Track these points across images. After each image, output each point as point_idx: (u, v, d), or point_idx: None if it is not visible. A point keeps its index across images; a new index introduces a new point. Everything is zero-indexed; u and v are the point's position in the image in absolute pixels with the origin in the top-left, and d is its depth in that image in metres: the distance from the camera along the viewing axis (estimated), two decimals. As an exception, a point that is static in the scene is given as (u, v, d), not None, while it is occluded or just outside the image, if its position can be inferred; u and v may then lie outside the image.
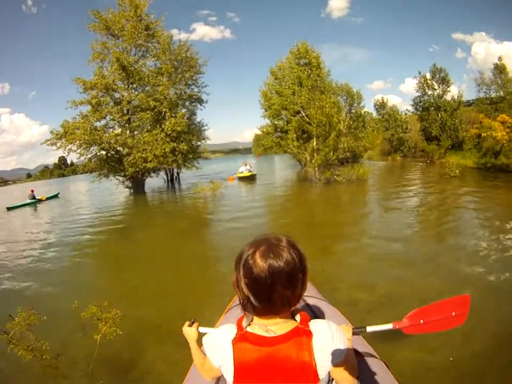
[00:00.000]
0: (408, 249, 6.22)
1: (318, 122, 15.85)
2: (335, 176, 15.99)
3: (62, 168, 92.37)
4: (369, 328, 1.56)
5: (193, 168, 23.24)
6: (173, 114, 19.30)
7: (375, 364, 1.65)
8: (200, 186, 15.45)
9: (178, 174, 25.84)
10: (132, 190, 20.64)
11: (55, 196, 24.06)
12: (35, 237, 10.68)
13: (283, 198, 14.07)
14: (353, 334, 1.45)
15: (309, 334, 1.07)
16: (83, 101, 18.93)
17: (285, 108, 18.52)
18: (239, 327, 1.13)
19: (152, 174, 22.24)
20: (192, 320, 1.49)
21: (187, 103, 22.37)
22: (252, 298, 1.05)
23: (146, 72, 19.87)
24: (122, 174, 19.69)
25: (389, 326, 1.60)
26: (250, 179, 21.09)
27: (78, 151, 18.71)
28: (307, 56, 19.74)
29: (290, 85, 18.88)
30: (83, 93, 19.02)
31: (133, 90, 19.87)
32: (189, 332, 1.45)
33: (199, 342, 1.33)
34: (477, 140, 22.11)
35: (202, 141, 24.23)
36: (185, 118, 20.70)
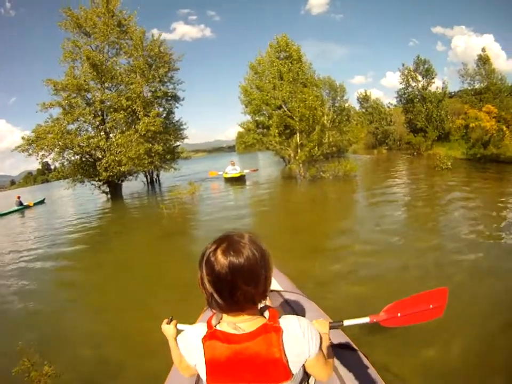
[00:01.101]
0: (402, 245, 5.88)
1: (301, 116, 14.73)
2: (321, 173, 14.89)
3: (46, 174, 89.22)
4: (346, 322, 1.55)
5: (171, 170, 21.99)
6: (147, 114, 17.92)
7: (355, 357, 1.66)
8: (177, 189, 14.23)
9: (158, 175, 24.67)
10: (109, 195, 19.34)
11: (42, 202, 23.53)
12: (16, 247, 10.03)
13: (265, 199, 12.84)
14: (331, 328, 1.41)
15: (278, 330, 1.05)
16: (53, 103, 17.54)
17: (266, 103, 17.31)
18: (209, 325, 1.11)
19: (130, 177, 20.97)
20: (170, 317, 1.45)
21: (163, 101, 21.12)
22: (215, 295, 1.03)
23: (119, 70, 18.49)
24: (97, 178, 18.26)
25: (366, 320, 1.58)
26: (238, 180, 18.57)
27: (50, 156, 17.47)
28: (287, 50, 18.51)
29: (271, 79, 17.64)
30: (55, 95, 17.75)
31: (106, 90, 18.47)
32: (167, 329, 1.40)
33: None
34: (464, 131, 21.87)
35: (181, 141, 23.08)
36: (161, 117, 19.63)
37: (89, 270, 6.79)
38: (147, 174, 23.39)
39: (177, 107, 22.28)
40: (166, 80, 20.55)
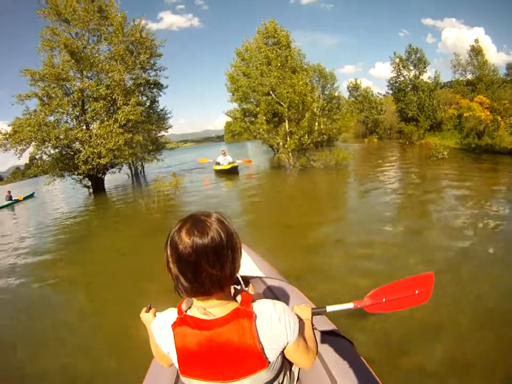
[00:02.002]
0: (398, 235, 5.54)
1: (290, 102, 13.75)
2: (312, 162, 13.95)
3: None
4: (329, 308, 1.50)
5: (154, 161, 20.81)
6: (127, 102, 16.69)
7: (341, 343, 1.59)
8: (161, 182, 13.12)
9: (143, 167, 23.58)
10: (90, 190, 18.22)
11: (31, 196, 23.10)
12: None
13: (253, 190, 11.80)
14: (313, 314, 1.38)
15: (250, 316, 0.99)
16: (29, 94, 16.23)
17: (254, 90, 16.28)
18: (179, 311, 1.05)
19: (113, 170, 19.70)
20: (149, 305, 1.34)
21: (146, 89, 19.80)
22: (180, 277, 0.97)
23: (98, 57, 17.13)
24: (76, 172, 17.03)
25: (349, 306, 1.54)
26: (230, 173, 16.05)
27: (29, 150, 16.24)
28: (276, 36, 17.51)
29: (258, 65, 16.61)
30: (33, 85, 16.38)
31: (86, 79, 17.14)
32: (146, 317, 1.29)
33: None
34: (457, 120, 21.50)
35: (165, 131, 21.92)
36: (144, 106, 18.52)
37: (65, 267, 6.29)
38: (131, 166, 22.24)
39: (160, 95, 21.03)
40: (148, 67, 19.23)
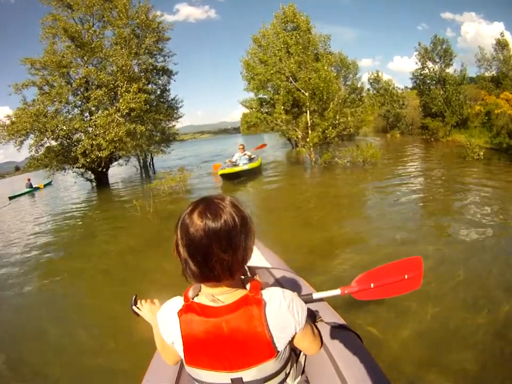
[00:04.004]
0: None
1: (314, 89, 11.70)
2: (337, 159, 11.86)
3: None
4: (316, 295, 1.49)
5: (160, 154, 18.98)
6: (129, 89, 14.84)
7: (347, 336, 1.46)
8: (165, 177, 11.22)
9: (152, 159, 21.85)
10: (93, 184, 16.60)
11: (49, 183, 23.03)
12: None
13: (271, 190, 9.79)
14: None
15: (259, 303, 0.93)
16: (25, 83, 14.62)
17: (271, 79, 14.25)
18: (186, 298, 0.99)
19: (120, 162, 18.34)
20: (134, 296, 1.28)
21: (155, 76, 17.94)
22: (189, 261, 0.90)
23: (100, 42, 15.35)
24: (75, 166, 15.33)
25: (337, 292, 1.51)
26: (237, 177, 11.08)
27: (27, 142, 14.73)
28: (295, 20, 15.41)
29: (277, 52, 14.53)
30: (35, 75, 14.80)
31: (90, 66, 15.40)
32: (146, 311, 1.26)
33: None
34: (485, 118, 19.95)
35: (176, 121, 20.06)
36: (152, 94, 16.95)
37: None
38: (139, 158, 20.57)
39: (170, 83, 19.13)
40: (155, 52, 17.32)
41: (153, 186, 10.57)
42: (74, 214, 10.52)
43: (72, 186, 18.02)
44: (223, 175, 11.17)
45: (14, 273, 5.52)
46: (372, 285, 1.47)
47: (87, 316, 3.75)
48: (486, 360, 2.35)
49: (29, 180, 21.71)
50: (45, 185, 22.25)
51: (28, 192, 20.60)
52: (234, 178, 11.01)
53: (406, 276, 1.45)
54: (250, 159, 11.84)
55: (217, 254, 0.86)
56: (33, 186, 21.48)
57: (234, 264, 0.90)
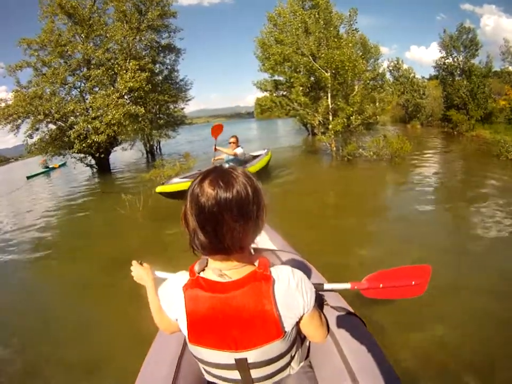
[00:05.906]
0: None
1: (338, 67, 9.90)
2: (361, 150, 10.09)
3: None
4: (327, 286, 1.43)
5: (165, 138, 17.62)
6: (127, 67, 13.24)
7: (353, 321, 1.41)
8: (167, 165, 9.65)
9: (159, 143, 20.34)
10: (94, 170, 15.25)
11: (64, 164, 22.46)
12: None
13: (287, 184, 8.00)
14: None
15: (268, 279, 0.86)
16: (19, 64, 13.25)
17: (288, 58, 12.41)
18: (191, 272, 0.91)
19: (124, 146, 16.96)
20: (140, 261, 1.17)
21: (161, 54, 16.33)
22: (198, 231, 0.82)
23: (98, 18, 13.86)
24: (72, 151, 13.91)
25: (347, 286, 1.42)
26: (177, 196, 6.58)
27: (23, 126, 13.45)
28: (313, -2, 13.46)
29: (294, 31, 12.64)
30: (32, 55, 13.49)
31: (91, 43, 13.84)
32: (144, 275, 1.15)
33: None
34: (511, 113, 18.35)
35: (185, 104, 18.56)
36: (162, 74, 15.98)
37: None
38: (145, 142, 19.08)
39: (177, 62, 17.52)
40: (159, 28, 15.70)
41: (150, 177, 8.97)
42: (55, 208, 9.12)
43: (82, 171, 16.61)
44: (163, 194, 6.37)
45: None
46: (381, 285, 1.39)
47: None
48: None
49: (44, 160, 21.33)
50: (60, 166, 22.62)
51: (44, 172, 21.27)
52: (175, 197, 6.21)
53: (413, 282, 1.37)
54: (245, 162, 8.03)
55: (228, 223, 0.79)
56: (50, 166, 21.94)
57: (245, 236, 0.83)
